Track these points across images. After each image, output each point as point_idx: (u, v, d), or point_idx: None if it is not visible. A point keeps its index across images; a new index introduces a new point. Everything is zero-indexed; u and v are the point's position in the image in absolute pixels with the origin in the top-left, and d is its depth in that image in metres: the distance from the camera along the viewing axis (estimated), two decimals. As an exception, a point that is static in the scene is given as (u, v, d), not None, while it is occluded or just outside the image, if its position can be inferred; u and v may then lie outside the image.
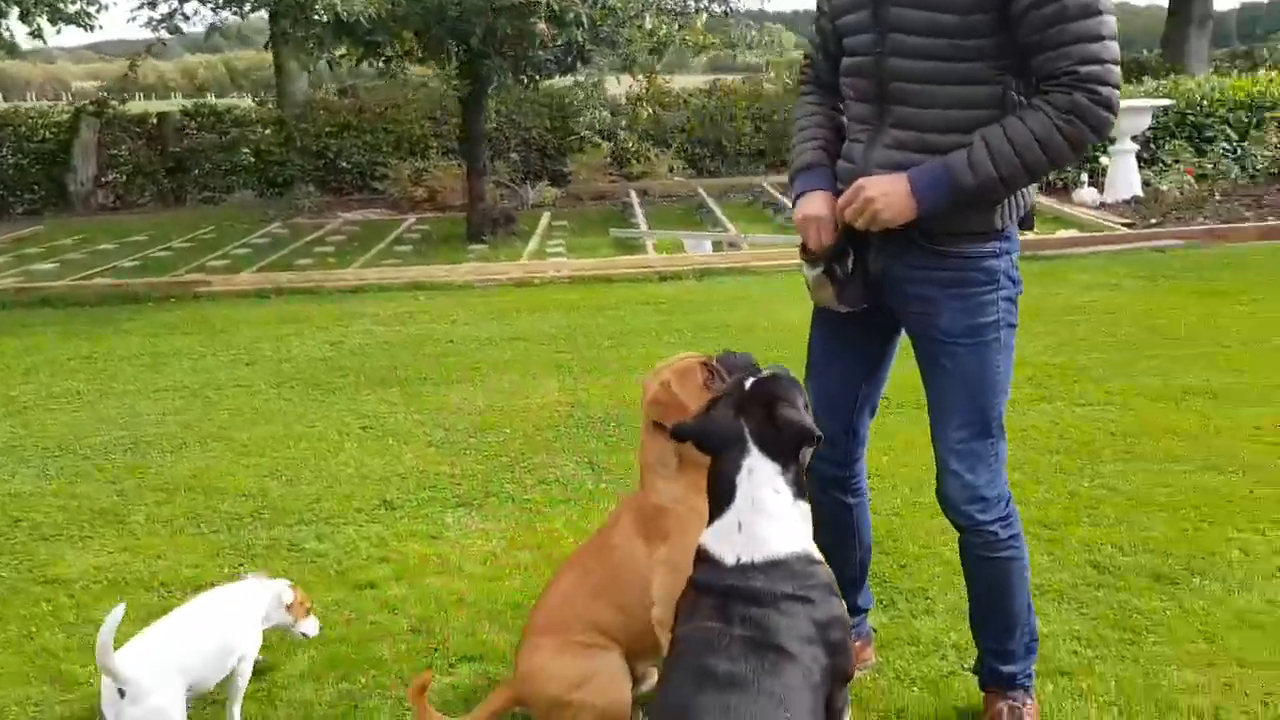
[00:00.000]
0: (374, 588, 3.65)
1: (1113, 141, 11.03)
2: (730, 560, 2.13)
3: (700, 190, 12.94)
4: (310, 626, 3.16)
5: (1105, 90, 2.19)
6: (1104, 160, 11.07)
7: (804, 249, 2.52)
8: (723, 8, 10.14)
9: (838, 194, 2.47)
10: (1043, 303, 6.93)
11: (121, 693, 2.55)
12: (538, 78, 9.99)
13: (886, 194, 2.31)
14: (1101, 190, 11.12)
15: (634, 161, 13.70)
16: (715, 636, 2.05)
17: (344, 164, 14.80)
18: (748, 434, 2.18)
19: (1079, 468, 4.37)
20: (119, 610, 2.46)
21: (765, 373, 2.33)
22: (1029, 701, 2.66)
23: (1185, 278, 7.74)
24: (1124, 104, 11.81)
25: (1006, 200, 2.37)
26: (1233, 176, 11.30)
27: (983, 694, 2.75)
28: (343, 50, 9.14)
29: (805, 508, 2.22)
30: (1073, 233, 9.31)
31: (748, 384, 2.27)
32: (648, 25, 8.92)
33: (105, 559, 3.95)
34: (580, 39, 8.54)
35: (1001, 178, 2.25)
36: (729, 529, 2.16)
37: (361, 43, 8.49)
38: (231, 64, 59.91)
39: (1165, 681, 2.87)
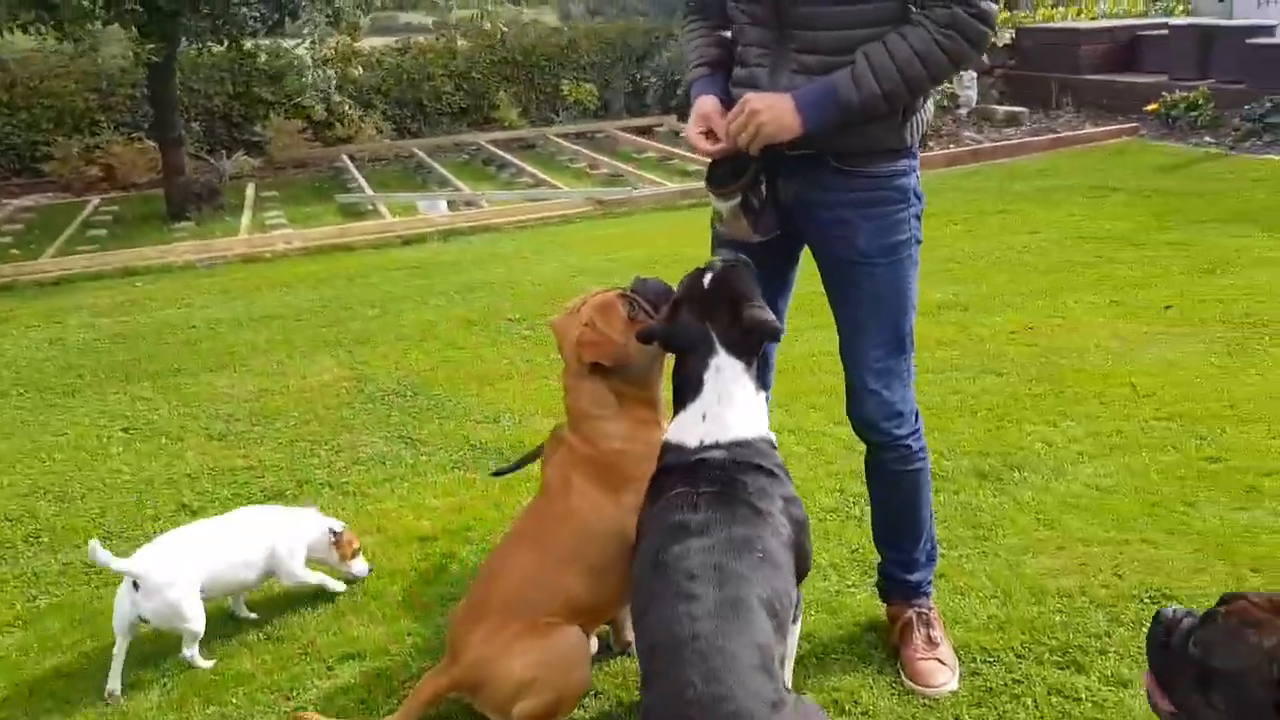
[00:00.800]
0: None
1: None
2: (693, 443, 2.22)
3: (418, 150, 12.49)
4: (360, 568, 3.28)
5: (983, 4, 2.25)
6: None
7: (713, 182, 2.45)
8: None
9: (728, 102, 2.44)
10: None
11: (136, 586, 2.78)
12: (239, 37, 9.21)
13: (771, 107, 2.30)
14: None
15: (339, 125, 12.96)
16: (683, 499, 2.12)
17: (-4, 146, 13.06)
18: (714, 336, 2.24)
19: (875, 385, 4.61)
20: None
21: (719, 265, 2.31)
22: (932, 607, 2.79)
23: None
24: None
25: (914, 117, 2.42)
26: (911, 111, 12.30)
27: (886, 606, 2.85)
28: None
29: (764, 397, 2.30)
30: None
31: (706, 281, 2.26)
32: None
33: None
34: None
35: (884, 93, 2.28)
36: (693, 420, 2.25)
37: (33, 4, 7.39)
38: None
39: (1028, 569, 3.10)
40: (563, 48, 14.92)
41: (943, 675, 2.61)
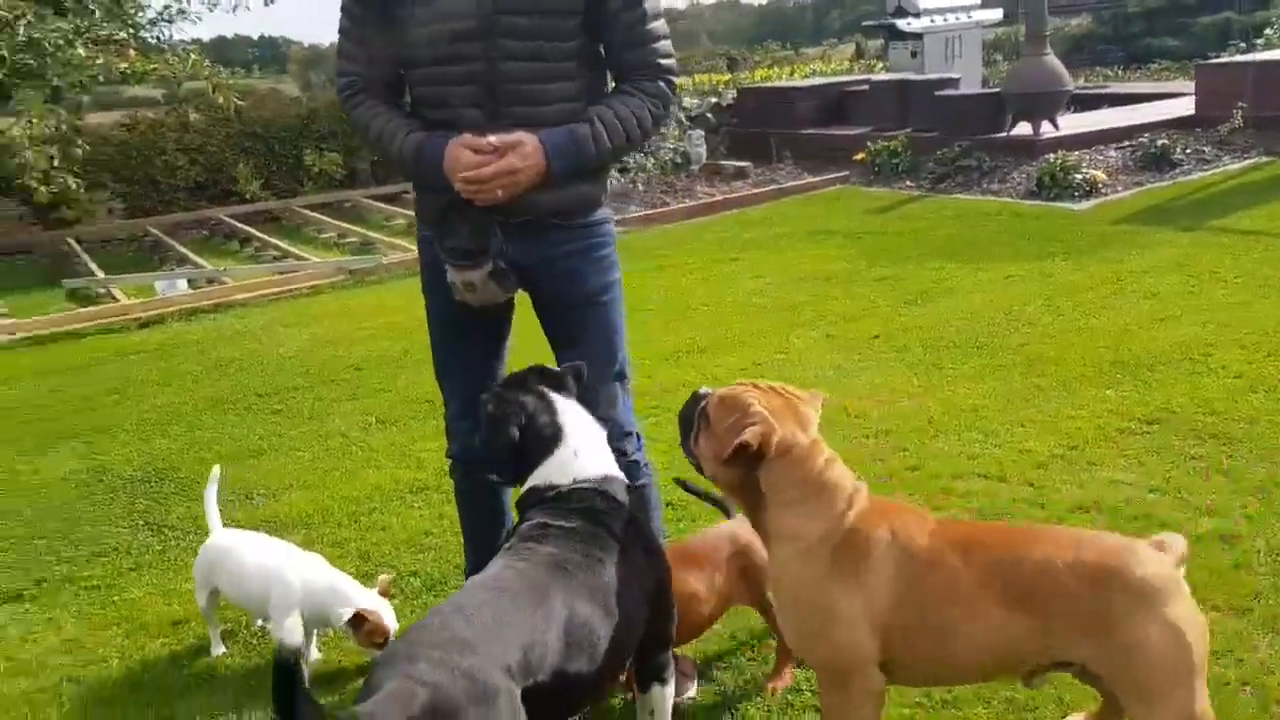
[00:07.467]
0: (-64, 713, 3.14)
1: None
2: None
3: (153, 229, 12.03)
4: None
5: (675, 79, 2.68)
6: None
7: (462, 257, 2.60)
8: (154, 35, 9.51)
9: None
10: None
11: None
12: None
13: (530, 162, 2.50)
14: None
15: (66, 207, 12.25)
16: None
17: None
18: None
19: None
20: None
21: None
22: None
23: (641, 258, 8.72)
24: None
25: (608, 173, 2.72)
26: (649, 168, 12.92)
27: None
28: None
29: None
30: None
31: None
32: (80, 54, 8.10)
33: None
34: (-2, 74, 7.57)
35: (613, 149, 2.61)
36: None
37: None
38: None
39: (757, 580, 3.40)
40: (303, 118, 14.75)
41: (684, 684, 2.84)
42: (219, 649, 3.29)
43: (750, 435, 2.17)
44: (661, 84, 2.65)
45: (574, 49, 2.59)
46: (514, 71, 2.54)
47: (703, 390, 2.37)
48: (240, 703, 2.99)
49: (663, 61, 2.65)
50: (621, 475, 2.49)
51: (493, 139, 2.49)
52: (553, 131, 2.55)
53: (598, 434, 2.51)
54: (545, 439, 2.42)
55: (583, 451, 2.44)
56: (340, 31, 2.69)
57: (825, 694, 2.28)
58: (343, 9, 2.66)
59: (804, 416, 2.28)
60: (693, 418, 2.34)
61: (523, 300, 2.83)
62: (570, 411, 2.48)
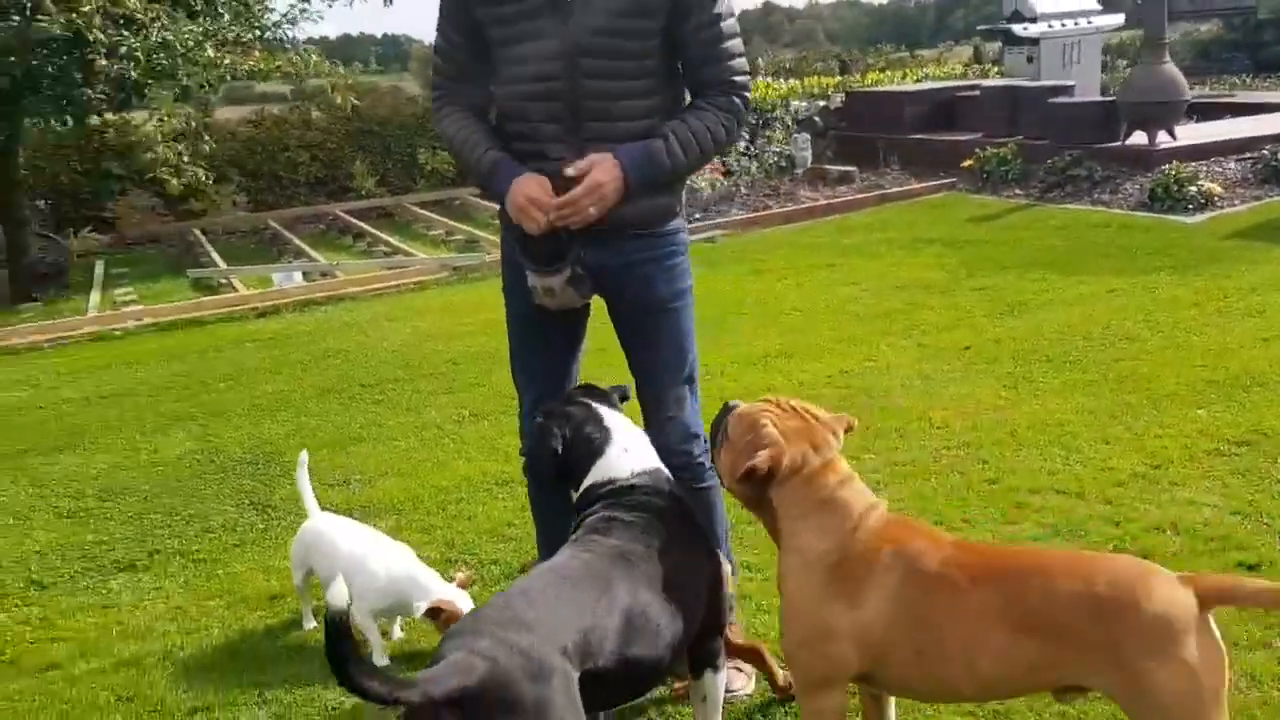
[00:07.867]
0: (58, 668, 3.41)
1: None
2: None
3: (273, 223, 12.57)
4: None
5: (749, 94, 2.79)
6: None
7: (542, 262, 2.73)
8: (276, 35, 9.97)
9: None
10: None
11: None
12: (84, 116, 9.22)
13: (612, 176, 2.63)
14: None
15: (195, 199, 12.90)
16: None
17: None
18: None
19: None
20: None
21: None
22: (733, 622, 3.11)
23: (737, 262, 8.83)
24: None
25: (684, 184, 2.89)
26: (753, 172, 12.96)
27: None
28: None
29: None
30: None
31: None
32: (209, 55, 8.57)
33: None
34: (134, 73, 8.04)
35: (687, 162, 2.74)
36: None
37: None
38: None
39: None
40: (419, 116, 15.15)
41: (739, 681, 2.94)
42: (310, 623, 3.51)
43: (760, 460, 2.25)
44: (735, 99, 2.75)
45: (652, 67, 2.71)
46: (595, 90, 2.66)
47: (732, 402, 2.47)
48: (327, 673, 3.17)
49: (736, 78, 2.75)
50: (666, 470, 2.61)
51: (569, 170, 2.63)
52: (629, 147, 2.67)
53: (642, 435, 2.65)
54: (595, 441, 2.56)
55: (632, 448, 2.57)
56: (435, 48, 2.86)
57: (801, 705, 2.36)
58: (438, 29, 2.83)
59: (819, 438, 2.33)
60: (718, 430, 2.45)
61: (598, 304, 2.96)
62: (614, 416, 2.63)
